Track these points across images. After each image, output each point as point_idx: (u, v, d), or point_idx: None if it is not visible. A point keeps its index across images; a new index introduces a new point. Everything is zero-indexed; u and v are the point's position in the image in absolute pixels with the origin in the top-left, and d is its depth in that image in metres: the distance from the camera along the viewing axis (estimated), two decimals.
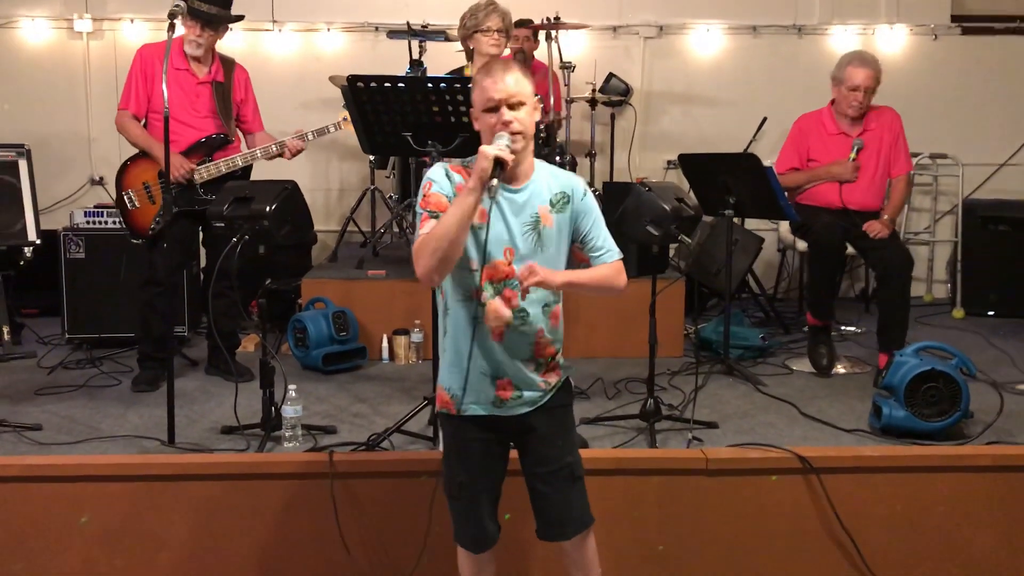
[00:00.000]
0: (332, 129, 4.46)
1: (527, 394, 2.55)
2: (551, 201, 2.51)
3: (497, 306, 2.45)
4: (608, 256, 2.58)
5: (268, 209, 3.41)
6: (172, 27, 3.58)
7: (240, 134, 4.51)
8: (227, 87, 4.38)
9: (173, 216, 4.20)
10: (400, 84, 3.29)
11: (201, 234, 4.51)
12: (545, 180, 2.53)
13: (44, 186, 6.00)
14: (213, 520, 3.21)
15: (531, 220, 2.48)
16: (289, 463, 3.25)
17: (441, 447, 3.25)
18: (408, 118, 3.35)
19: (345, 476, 3.17)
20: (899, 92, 5.86)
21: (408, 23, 5.31)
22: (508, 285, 2.48)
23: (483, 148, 2.35)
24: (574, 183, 2.57)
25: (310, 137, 4.42)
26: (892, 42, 6.42)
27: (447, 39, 5.35)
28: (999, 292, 5.93)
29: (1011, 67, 6.44)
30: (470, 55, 4.72)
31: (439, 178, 2.47)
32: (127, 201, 4.28)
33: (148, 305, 4.30)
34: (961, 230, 6.14)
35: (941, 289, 6.47)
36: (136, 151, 4.33)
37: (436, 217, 2.40)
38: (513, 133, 2.39)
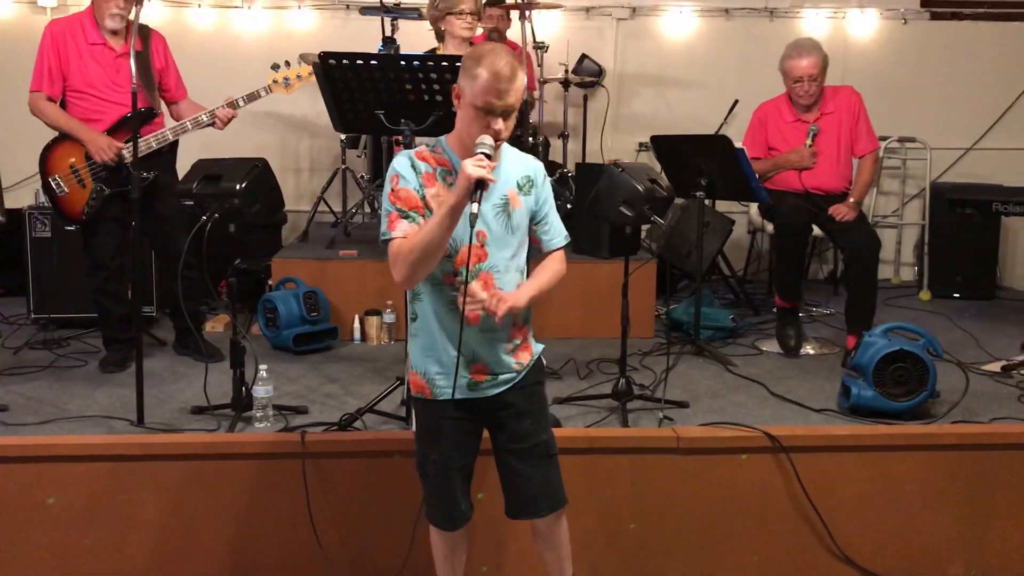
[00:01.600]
0: (263, 93, 4.29)
1: (501, 376, 2.56)
2: (518, 184, 2.51)
3: (475, 289, 2.42)
4: (558, 241, 2.62)
5: (238, 187, 3.37)
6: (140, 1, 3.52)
7: (164, 105, 4.35)
8: (146, 56, 4.19)
9: (107, 197, 4.11)
10: (373, 62, 3.26)
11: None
12: (511, 162, 2.53)
13: (7, 163, 5.92)
14: (183, 501, 3.18)
15: (501, 202, 2.48)
16: (260, 443, 3.23)
17: (414, 427, 3.27)
18: (381, 96, 3.32)
19: (317, 456, 3.16)
20: (869, 76, 5.94)
21: (381, 0, 5.25)
22: (482, 268, 2.47)
23: (465, 167, 2.26)
24: (536, 166, 2.59)
25: (241, 104, 4.24)
26: (863, 26, 6.46)
27: (420, 17, 5.31)
28: (965, 274, 6.01)
29: (978, 52, 6.50)
30: (440, 36, 4.68)
31: (405, 171, 2.42)
32: (55, 187, 4.11)
33: (100, 291, 4.24)
34: (928, 213, 6.22)
35: (908, 272, 6.54)
36: (56, 134, 4.16)
37: (406, 216, 2.37)
38: (497, 141, 2.35)
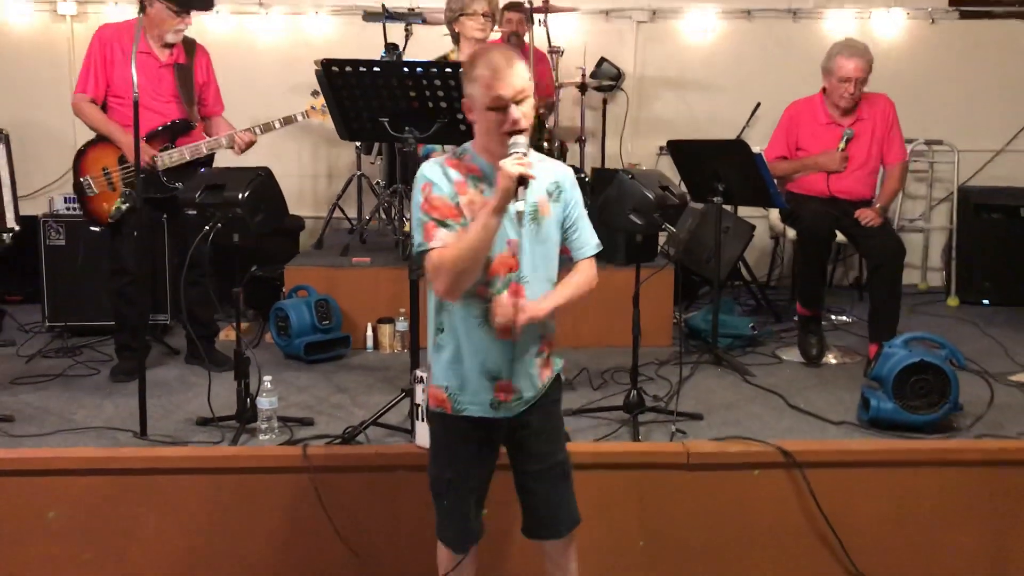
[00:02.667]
0: (299, 118, 4.32)
1: (526, 394, 2.49)
2: (548, 191, 2.45)
3: (503, 301, 2.37)
4: (588, 250, 2.55)
5: (241, 196, 3.33)
6: (143, 9, 3.52)
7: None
8: (189, 69, 4.25)
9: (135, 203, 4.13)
10: (376, 69, 3.21)
11: (166, 222, 4.44)
12: (540, 170, 2.44)
13: (28, 171, 5.95)
14: (183, 515, 3.14)
15: (531, 210, 2.40)
16: (261, 457, 3.19)
17: (417, 441, 3.21)
18: (385, 103, 3.27)
19: (319, 470, 3.10)
20: (895, 77, 5.78)
21: (383, 5, 5.20)
22: (513, 279, 2.40)
23: (505, 166, 2.21)
24: (565, 172, 2.52)
25: (277, 126, 4.29)
26: (889, 26, 6.31)
27: (424, 22, 5.26)
28: (994, 280, 5.86)
29: (1010, 52, 6.32)
30: (456, 39, 4.63)
31: (437, 178, 2.34)
32: (86, 187, 4.16)
33: (119, 295, 4.24)
34: (956, 217, 6.06)
35: (936, 277, 6.38)
36: (94, 135, 4.21)
37: (444, 225, 2.30)
38: (522, 132, 2.29)
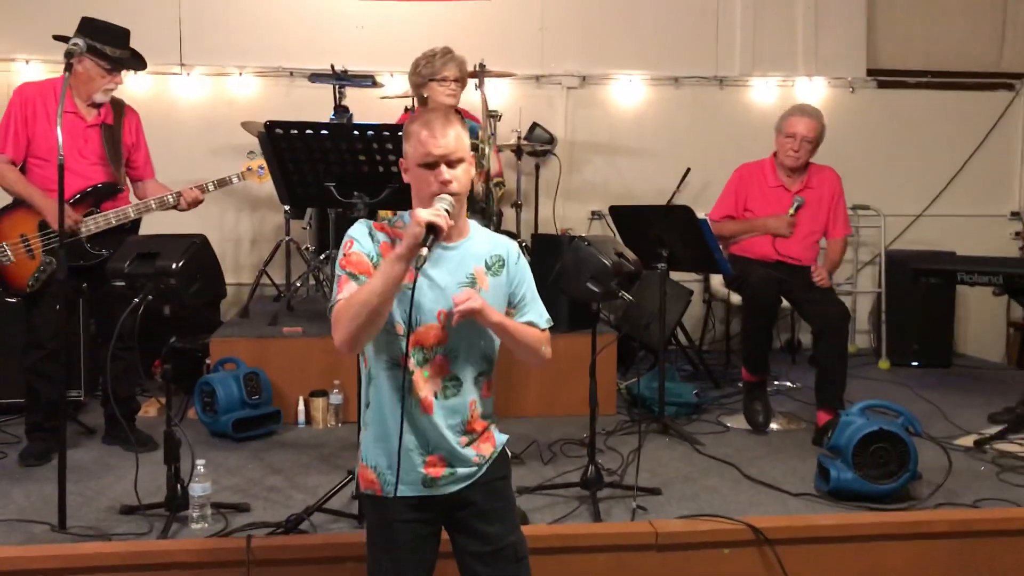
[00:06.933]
0: (234, 180, 4.14)
1: (460, 471, 2.31)
2: (487, 263, 2.32)
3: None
4: (539, 324, 2.41)
5: (175, 266, 3.09)
6: (69, 67, 3.29)
7: (128, 183, 4.14)
8: (117, 131, 4.02)
9: (55, 272, 3.83)
10: (324, 132, 3.04)
11: (86, 291, 4.16)
12: (480, 241, 2.35)
13: None
14: None
15: (467, 280, 2.28)
16: (199, 551, 2.90)
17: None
18: (332, 168, 3.10)
19: (264, 564, 2.84)
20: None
21: (332, 66, 5.05)
22: (440, 351, 2.25)
23: (417, 212, 2.12)
24: (509, 246, 2.40)
25: (210, 188, 4.09)
26: (811, 94, 6.46)
27: (374, 84, 5.12)
28: (922, 342, 5.95)
29: (923, 120, 6.57)
30: (423, 102, 4.49)
31: (361, 236, 2.26)
32: (1, 256, 3.85)
33: (33, 371, 3.91)
34: (885, 281, 6.16)
35: (863, 339, 6.47)
36: (10, 200, 3.92)
37: (356, 279, 2.19)
38: (452, 195, 2.19)
